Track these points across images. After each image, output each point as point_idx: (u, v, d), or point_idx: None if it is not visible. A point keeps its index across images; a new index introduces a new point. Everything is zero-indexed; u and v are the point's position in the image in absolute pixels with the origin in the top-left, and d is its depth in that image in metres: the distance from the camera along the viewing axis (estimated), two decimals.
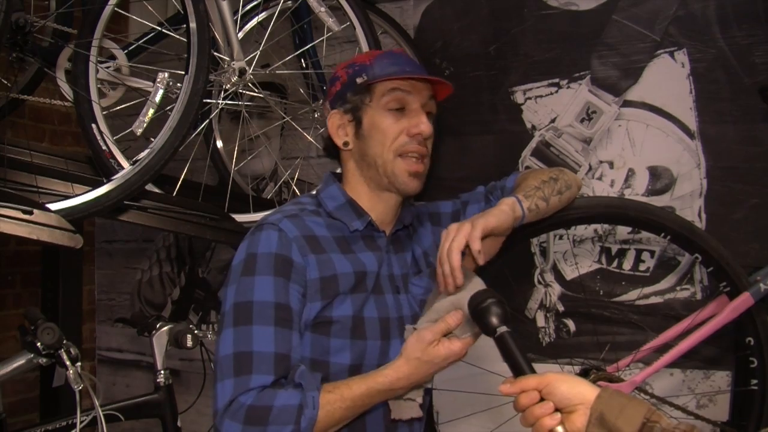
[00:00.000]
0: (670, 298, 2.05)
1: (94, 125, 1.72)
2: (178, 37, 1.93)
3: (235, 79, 1.88)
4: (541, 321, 2.21)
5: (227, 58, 1.87)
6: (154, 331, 1.85)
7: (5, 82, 1.88)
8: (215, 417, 1.12)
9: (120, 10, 1.84)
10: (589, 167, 2.16)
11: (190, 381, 2.59)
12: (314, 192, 1.36)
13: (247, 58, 1.89)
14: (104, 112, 1.77)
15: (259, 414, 1.08)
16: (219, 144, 2.40)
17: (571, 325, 2.17)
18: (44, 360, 1.61)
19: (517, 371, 0.98)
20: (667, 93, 2.06)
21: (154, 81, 1.76)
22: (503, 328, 1.02)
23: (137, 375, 2.97)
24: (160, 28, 2.02)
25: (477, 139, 2.32)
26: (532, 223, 1.36)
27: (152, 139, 1.70)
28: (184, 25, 1.74)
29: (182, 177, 1.91)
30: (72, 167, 1.82)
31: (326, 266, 1.21)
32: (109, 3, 1.76)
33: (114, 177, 1.67)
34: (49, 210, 1.54)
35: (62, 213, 1.56)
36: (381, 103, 1.26)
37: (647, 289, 2.07)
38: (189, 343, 1.83)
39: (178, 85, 1.73)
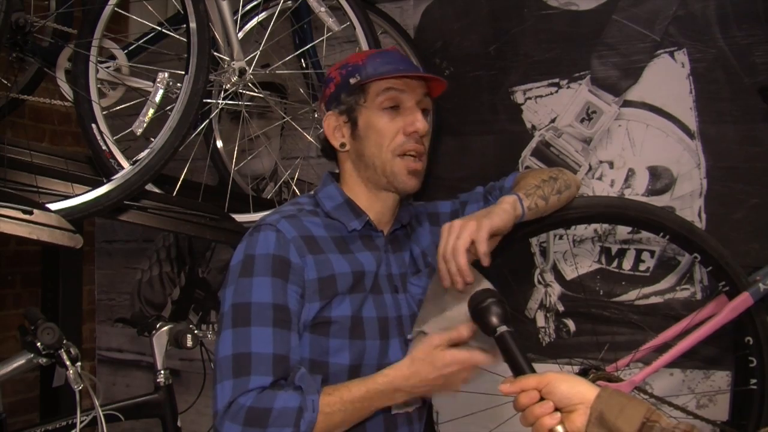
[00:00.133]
0: (670, 298, 2.05)
1: (94, 125, 1.72)
2: (178, 37, 1.93)
3: (235, 79, 1.88)
4: (541, 321, 2.21)
5: (227, 58, 1.87)
6: (154, 331, 1.85)
7: (5, 82, 1.88)
8: (215, 418, 1.12)
9: (120, 10, 1.84)
10: (589, 167, 2.16)
11: (190, 381, 2.59)
12: (312, 192, 1.36)
13: (247, 58, 1.89)
14: (104, 112, 1.77)
15: (258, 416, 1.08)
16: (219, 144, 2.40)
17: (570, 325, 2.17)
18: (44, 360, 1.61)
19: (517, 371, 0.98)
20: (667, 93, 2.06)
21: (154, 81, 1.76)
22: (503, 328, 1.02)
23: (137, 375, 2.97)
24: (160, 28, 2.02)
25: (477, 139, 2.32)
26: (532, 222, 1.37)
27: (152, 139, 1.70)
28: (184, 25, 1.74)
29: (182, 177, 1.91)
30: (72, 167, 1.82)
31: (324, 267, 1.21)
32: (109, 3, 1.76)
33: (114, 177, 1.67)
34: (49, 210, 1.54)
35: (62, 213, 1.56)
36: (375, 103, 1.26)
37: (647, 289, 2.07)
38: (189, 343, 1.83)
39: (178, 85, 1.73)
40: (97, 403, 1.61)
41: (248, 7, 2.11)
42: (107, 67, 1.89)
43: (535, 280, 2.23)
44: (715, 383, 1.98)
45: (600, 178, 2.14)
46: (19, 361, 1.63)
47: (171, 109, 1.72)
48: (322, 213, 1.30)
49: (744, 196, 1.96)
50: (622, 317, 2.08)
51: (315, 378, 1.14)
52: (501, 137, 2.29)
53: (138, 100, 1.88)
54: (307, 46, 2.18)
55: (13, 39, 1.74)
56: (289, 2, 2.13)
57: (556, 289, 2.20)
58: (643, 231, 1.92)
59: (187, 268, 2.89)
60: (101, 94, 1.84)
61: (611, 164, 2.13)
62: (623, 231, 2.10)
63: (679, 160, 2.04)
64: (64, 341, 1.59)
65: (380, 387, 1.12)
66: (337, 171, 1.38)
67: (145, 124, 1.74)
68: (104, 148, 1.71)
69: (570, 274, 2.18)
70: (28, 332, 1.61)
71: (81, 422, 1.64)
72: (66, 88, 1.85)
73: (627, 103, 2.11)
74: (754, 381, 1.59)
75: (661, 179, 2.07)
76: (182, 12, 1.73)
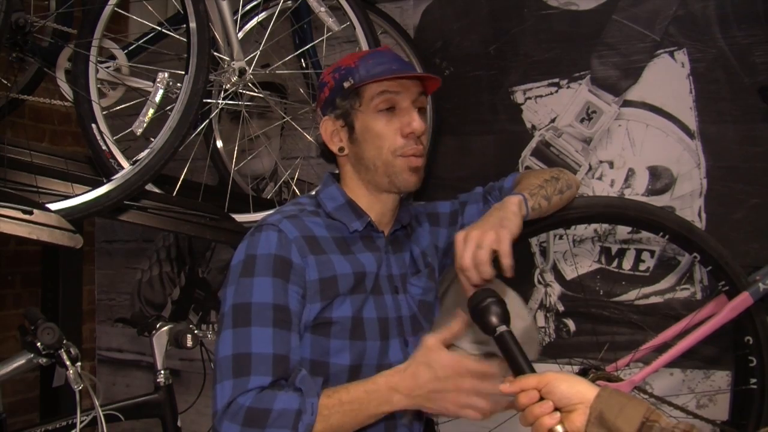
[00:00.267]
0: (670, 298, 2.05)
1: (94, 125, 1.72)
2: (178, 37, 1.93)
3: (235, 79, 1.88)
4: (541, 321, 2.21)
5: (227, 58, 1.87)
6: (154, 331, 1.84)
7: (5, 82, 1.88)
8: (214, 418, 1.12)
9: (120, 10, 1.84)
10: (589, 167, 2.16)
11: (190, 381, 2.59)
12: (313, 193, 1.36)
13: (247, 58, 1.89)
14: (104, 112, 1.77)
15: (257, 416, 1.08)
16: (219, 144, 2.40)
17: (570, 324, 2.17)
18: (44, 360, 1.61)
19: (517, 370, 0.98)
20: (667, 93, 2.06)
21: (154, 81, 1.76)
22: (503, 328, 1.02)
23: (137, 375, 2.97)
24: (160, 28, 2.02)
25: (477, 139, 2.32)
26: (532, 222, 1.37)
27: (152, 139, 1.70)
28: (184, 25, 1.74)
29: (182, 177, 1.91)
30: (72, 167, 1.82)
31: (326, 267, 1.21)
32: (109, 3, 1.76)
33: (114, 177, 1.67)
34: (49, 210, 1.54)
35: (62, 213, 1.56)
36: (371, 106, 1.25)
37: (647, 289, 2.07)
38: (189, 343, 1.83)
39: (178, 85, 1.73)
40: (97, 403, 1.61)
41: (248, 7, 2.11)
42: (107, 67, 1.89)
43: (535, 280, 2.23)
44: (715, 383, 1.98)
45: (600, 178, 2.14)
46: (19, 361, 1.63)
47: (171, 109, 1.72)
48: (323, 213, 1.29)
49: (744, 196, 1.96)
50: (622, 317, 2.08)
51: (316, 380, 1.13)
52: (501, 137, 2.29)
53: (138, 100, 1.88)
54: (307, 46, 2.18)
55: (13, 39, 1.74)
56: (289, 2, 2.13)
57: (556, 288, 2.20)
58: (643, 231, 1.92)
59: (187, 268, 2.89)
60: (101, 94, 1.84)
61: (611, 164, 2.13)
62: (623, 231, 2.10)
63: (679, 160, 2.04)
64: (64, 341, 1.58)
65: (377, 386, 1.11)
66: (337, 172, 1.38)
67: (145, 124, 1.74)
68: (104, 148, 1.71)
69: (570, 274, 2.18)
70: (28, 332, 1.60)
71: (81, 422, 1.64)
72: (66, 88, 1.85)
73: (627, 103, 2.11)
74: (754, 381, 1.59)
75: (661, 179, 2.07)
76: (182, 12, 1.73)
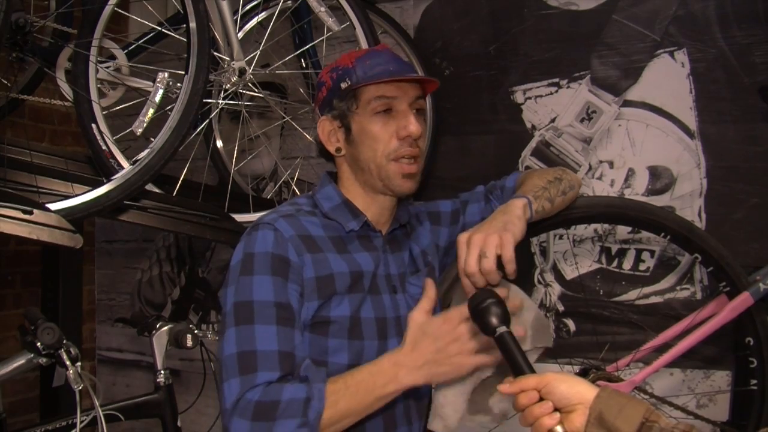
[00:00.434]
0: (670, 298, 2.05)
1: (94, 125, 1.72)
2: (178, 37, 1.93)
3: (235, 79, 1.88)
4: None
5: (227, 58, 1.87)
6: (154, 331, 1.85)
7: (5, 82, 1.88)
8: (224, 417, 1.12)
9: (120, 10, 1.84)
10: (589, 167, 2.16)
11: (190, 381, 2.59)
12: (311, 193, 1.36)
13: (247, 58, 1.89)
14: (104, 112, 1.77)
15: (266, 409, 1.08)
16: (219, 144, 2.40)
17: (570, 324, 2.17)
18: (44, 360, 1.61)
19: (517, 371, 0.98)
20: (667, 93, 2.06)
21: (154, 81, 1.76)
22: (503, 328, 1.02)
23: (137, 375, 2.97)
24: (160, 28, 2.02)
25: (477, 139, 2.32)
26: (534, 223, 1.36)
27: (152, 139, 1.70)
28: (184, 25, 1.74)
29: (182, 177, 1.91)
30: (72, 167, 1.82)
31: (322, 265, 1.21)
32: (109, 3, 1.76)
33: (114, 177, 1.67)
34: (49, 210, 1.54)
35: (62, 213, 1.56)
36: (368, 109, 1.25)
37: (647, 289, 2.07)
38: (189, 343, 1.83)
39: (178, 85, 1.73)
40: (97, 403, 1.61)
41: (248, 7, 2.11)
42: (107, 67, 1.89)
43: (535, 280, 2.22)
44: (715, 383, 1.98)
45: (600, 178, 2.14)
46: (19, 361, 1.63)
47: (171, 109, 1.72)
48: (320, 213, 1.29)
49: (744, 196, 1.95)
50: (622, 317, 2.08)
51: (320, 369, 1.14)
52: (501, 137, 2.29)
53: (138, 100, 1.88)
54: (307, 46, 2.18)
55: (13, 39, 1.74)
56: (289, 2, 2.13)
57: (556, 288, 2.20)
58: (644, 231, 1.92)
59: (187, 268, 2.89)
60: (101, 94, 1.84)
61: (611, 164, 2.13)
62: (623, 231, 2.10)
63: (679, 160, 2.04)
64: (64, 341, 1.59)
65: (381, 367, 1.13)
66: (335, 170, 1.38)
67: (145, 124, 1.74)
68: (104, 148, 1.71)
69: (570, 273, 2.18)
70: (28, 332, 1.61)
71: (81, 422, 1.64)
72: (66, 88, 1.85)
73: (627, 103, 2.11)
74: (754, 381, 1.59)
75: (661, 179, 2.07)
76: (182, 12, 1.73)
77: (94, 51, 1.75)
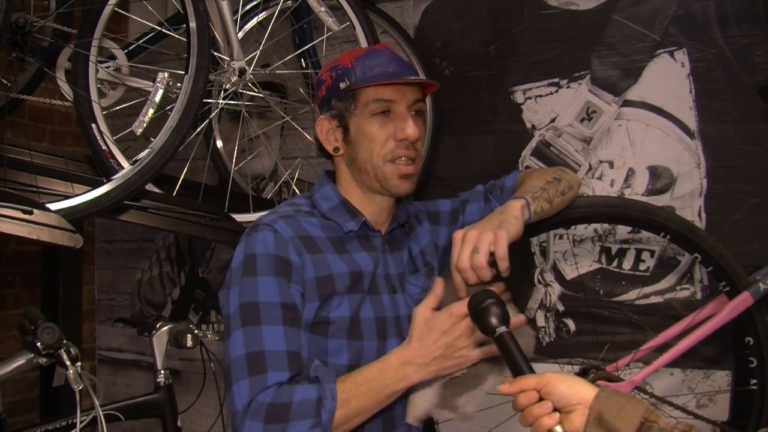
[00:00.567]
0: (670, 298, 2.05)
1: (94, 125, 1.72)
2: (178, 37, 1.93)
3: (235, 79, 1.88)
4: (541, 321, 2.21)
5: (227, 58, 1.87)
6: (154, 331, 1.84)
7: (5, 82, 1.88)
8: (234, 419, 1.12)
9: (120, 10, 1.84)
10: (589, 167, 2.16)
11: (190, 381, 2.59)
12: (309, 193, 1.36)
13: (247, 58, 1.89)
14: (104, 112, 1.77)
15: (279, 411, 1.08)
16: (219, 144, 2.40)
17: (570, 324, 2.17)
18: (44, 360, 1.61)
19: (516, 371, 0.98)
20: (667, 93, 2.06)
21: (154, 81, 1.76)
22: (502, 329, 1.01)
23: (137, 375, 2.97)
24: (160, 28, 2.02)
25: (477, 139, 2.32)
26: (533, 223, 1.36)
27: (152, 139, 1.70)
28: (184, 25, 1.74)
29: (182, 177, 1.91)
30: (72, 167, 1.82)
31: (322, 266, 1.21)
32: (109, 3, 1.76)
33: (114, 177, 1.67)
34: (49, 210, 1.54)
35: (62, 213, 1.56)
36: (366, 111, 1.25)
37: (647, 289, 2.07)
38: (189, 343, 1.82)
39: (178, 85, 1.73)
40: (97, 403, 1.61)
41: (248, 7, 2.11)
42: (107, 67, 1.89)
43: (535, 280, 2.23)
44: (715, 383, 1.98)
45: (600, 178, 2.14)
46: (19, 361, 1.63)
47: (171, 109, 1.72)
48: (318, 214, 1.29)
49: (744, 196, 1.95)
50: (622, 317, 2.08)
51: (330, 369, 1.15)
52: (501, 137, 2.29)
53: (138, 100, 1.88)
54: (307, 46, 2.18)
55: (13, 39, 1.74)
56: (289, 2, 2.13)
57: (556, 288, 2.20)
58: (644, 231, 1.92)
59: (187, 268, 2.89)
60: (101, 94, 1.84)
61: (611, 164, 2.13)
62: (623, 231, 2.10)
63: (679, 160, 2.04)
64: (64, 341, 1.59)
65: (389, 364, 1.14)
66: (334, 170, 1.38)
67: (145, 124, 1.74)
68: (104, 148, 1.71)
69: (570, 273, 2.18)
70: (28, 332, 1.60)
71: (81, 422, 1.64)
72: (66, 88, 1.85)
73: (627, 103, 2.11)
74: (754, 381, 1.59)
75: (661, 179, 2.07)
76: (182, 12, 1.73)
77: (94, 51, 1.74)
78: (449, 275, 1.25)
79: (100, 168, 1.74)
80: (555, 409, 0.92)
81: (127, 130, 1.76)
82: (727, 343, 1.89)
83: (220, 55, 1.87)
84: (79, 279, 2.88)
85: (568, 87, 2.18)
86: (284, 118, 2.25)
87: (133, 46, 2.03)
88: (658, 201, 2.04)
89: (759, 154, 1.94)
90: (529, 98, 2.24)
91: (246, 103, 2.01)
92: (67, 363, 1.57)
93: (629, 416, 0.87)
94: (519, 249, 1.23)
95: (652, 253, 2.08)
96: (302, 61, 2.28)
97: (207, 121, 2.17)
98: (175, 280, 2.91)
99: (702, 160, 2.02)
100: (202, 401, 2.02)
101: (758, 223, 1.93)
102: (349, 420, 1.12)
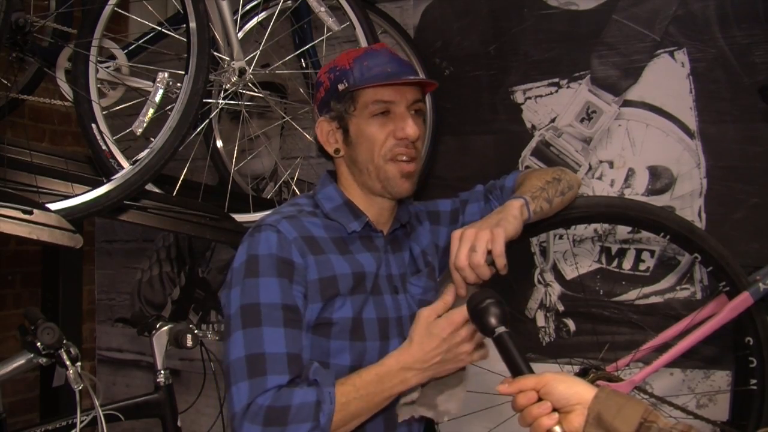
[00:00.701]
0: (670, 298, 2.05)
1: (94, 125, 1.72)
2: (178, 37, 1.93)
3: (235, 78, 1.88)
4: (541, 321, 2.21)
5: (227, 58, 1.87)
6: (154, 331, 1.84)
7: (5, 82, 1.88)
8: (233, 421, 1.12)
9: (120, 10, 1.84)
10: (589, 167, 2.16)
11: (190, 381, 2.59)
12: (311, 193, 1.36)
13: (247, 58, 1.89)
14: (104, 112, 1.77)
15: (278, 414, 1.08)
16: (219, 144, 2.40)
17: (570, 324, 2.17)
18: (44, 360, 1.61)
19: (516, 371, 0.98)
20: (667, 93, 2.06)
21: (154, 81, 1.76)
22: (502, 329, 1.01)
23: (137, 375, 2.97)
24: (160, 28, 2.02)
25: (477, 139, 2.32)
26: (533, 223, 1.36)
27: (152, 139, 1.70)
28: (184, 25, 1.74)
29: (182, 177, 1.91)
30: (72, 167, 1.82)
31: (325, 267, 1.21)
32: (109, 3, 1.76)
33: (114, 177, 1.67)
34: (49, 210, 1.54)
35: (62, 213, 1.56)
36: (365, 112, 1.24)
37: (647, 289, 2.07)
38: (189, 343, 1.82)
39: (178, 85, 1.73)
40: (97, 403, 1.61)
41: (248, 7, 2.11)
42: (107, 67, 1.89)
43: (535, 280, 2.22)
44: (715, 383, 1.98)
45: (600, 178, 2.14)
46: (19, 361, 1.63)
47: (171, 109, 1.72)
48: (321, 214, 1.29)
49: (744, 196, 1.95)
50: (622, 317, 2.08)
51: (329, 372, 1.14)
52: (501, 137, 2.29)
53: (138, 100, 1.88)
54: (307, 46, 2.18)
55: (13, 39, 1.74)
56: (289, 2, 2.13)
57: (556, 288, 2.20)
58: (644, 231, 1.92)
59: (187, 268, 2.89)
60: (101, 94, 1.84)
61: (611, 164, 2.13)
62: (623, 231, 2.10)
63: (679, 160, 2.04)
64: (64, 341, 1.58)
65: (389, 368, 1.14)
66: (335, 170, 1.37)
67: (145, 124, 1.74)
68: (104, 148, 1.71)
69: (570, 273, 2.18)
70: (28, 332, 1.60)
71: (81, 422, 1.64)
72: (66, 88, 1.85)
73: (627, 103, 2.11)
74: (754, 381, 1.59)
75: (661, 179, 2.07)
76: (182, 12, 1.73)
77: (94, 51, 1.75)
78: (450, 276, 1.25)
79: (100, 168, 1.74)
80: (554, 410, 0.92)
81: (127, 130, 1.76)
82: (727, 343, 1.89)
83: (220, 55, 1.87)
84: (79, 279, 2.88)
85: (568, 87, 2.18)
86: (284, 118, 2.25)
87: (133, 46, 2.03)
88: (658, 201, 2.04)
89: (759, 154, 1.94)
90: (529, 98, 2.24)
91: (246, 103, 2.01)
92: (67, 363, 1.57)
93: (628, 416, 0.87)
94: (519, 249, 1.23)
95: (652, 253, 2.08)
96: (302, 61, 2.28)
97: (207, 121, 2.17)
98: (175, 280, 2.91)
99: (702, 160, 2.02)
100: (202, 401, 2.02)
101: (758, 223, 1.93)
102: (347, 423, 1.12)
